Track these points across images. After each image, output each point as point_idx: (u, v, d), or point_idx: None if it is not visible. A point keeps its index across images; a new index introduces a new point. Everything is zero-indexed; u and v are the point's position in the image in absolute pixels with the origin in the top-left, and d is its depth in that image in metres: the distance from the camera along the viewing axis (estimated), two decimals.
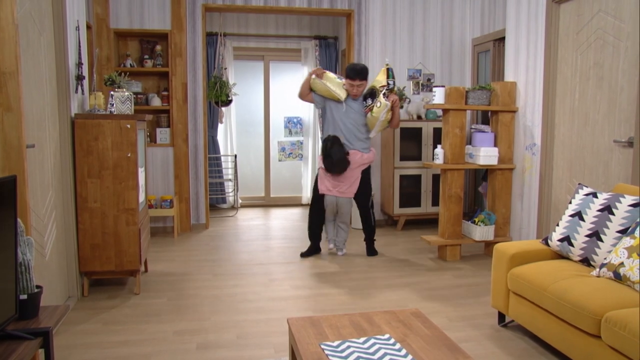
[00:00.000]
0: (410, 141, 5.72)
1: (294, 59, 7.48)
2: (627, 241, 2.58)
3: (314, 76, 4.54)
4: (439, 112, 5.81)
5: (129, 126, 3.65)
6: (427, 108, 4.85)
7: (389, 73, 4.52)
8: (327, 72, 4.60)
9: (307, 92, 4.63)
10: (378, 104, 4.40)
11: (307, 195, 7.56)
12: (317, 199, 4.71)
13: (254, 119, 7.64)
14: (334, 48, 7.29)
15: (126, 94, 3.83)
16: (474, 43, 5.86)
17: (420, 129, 5.74)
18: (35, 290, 2.11)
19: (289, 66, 7.64)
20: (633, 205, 2.72)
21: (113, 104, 3.78)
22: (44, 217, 3.16)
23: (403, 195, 5.77)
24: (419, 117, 5.82)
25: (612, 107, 3.60)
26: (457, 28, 6.00)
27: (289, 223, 6.39)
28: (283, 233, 5.87)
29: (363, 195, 4.68)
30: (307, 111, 7.45)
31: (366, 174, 4.69)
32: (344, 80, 4.54)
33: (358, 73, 4.44)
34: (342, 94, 4.51)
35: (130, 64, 5.58)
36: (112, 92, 3.81)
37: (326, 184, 4.63)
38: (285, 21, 7.28)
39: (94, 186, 3.63)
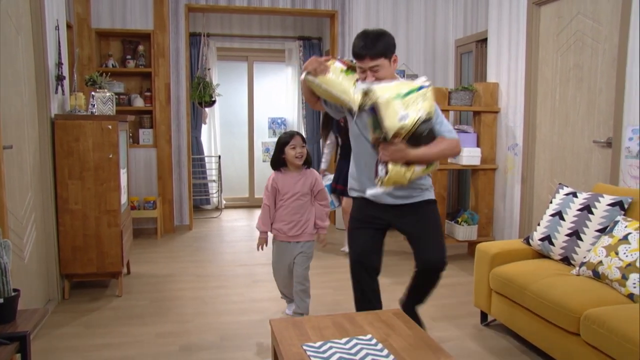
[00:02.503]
0: None
1: (278, 60, 7.46)
2: (606, 240, 2.61)
3: (305, 74, 2.66)
4: None
5: (110, 127, 3.61)
6: None
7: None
8: (334, 61, 2.68)
9: (314, 100, 2.83)
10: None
11: None
12: (355, 256, 2.82)
13: (238, 120, 7.61)
14: (318, 49, 7.29)
15: (108, 94, 3.80)
16: (457, 44, 5.90)
17: None
18: (12, 293, 2.07)
19: (273, 67, 7.63)
20: (611, 205, 2.76)
21: (94, 105, 3.74)
22: (22, 219, 3.11)
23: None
24: None
25: (592, 108, 3.65)
26: (440, 29, 6.04)
27: None
28: None
29: (432, 244, 2.66)
30: (291, 112, 7.45)
31: (434, 209, 2.74)
32: None
33: (367, 46, 2.49)
34: (355, 96, 2.55)
35: (112, 64, 5.52)
36: (93, 93, 3.78)
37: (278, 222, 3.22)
38: (269, 22, 7.27)
39: (74, 187, 3.58)
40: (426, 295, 2.83)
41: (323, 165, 5.06)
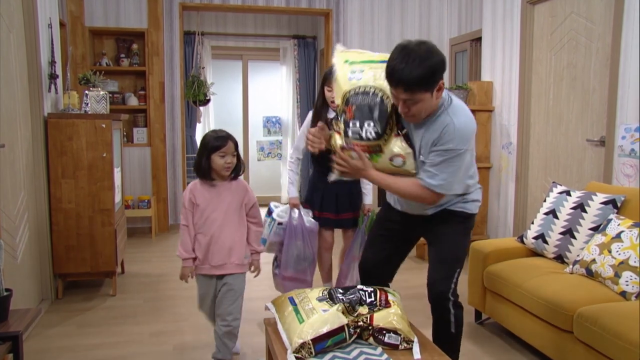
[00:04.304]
0: None
1: (273, 59, 7.45)
2: (599, 238, 2.62)
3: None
4: None
5: (104, 126, 3.59)
6: None
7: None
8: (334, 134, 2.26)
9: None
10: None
11: (286, 194, 7.54)
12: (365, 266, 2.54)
13: (233, 119, 7.60)
14: (312, 47, 7.28)
15: (101, 93, 3.78)
16: (452, 43, 5.91)
17: None
18: (5, 293, 2.06)
19: (268, 65, 7.62)
20: (604, 203, 2.78)
21: (88, 104, 3.73)
22: (15, 219, 3.09)
23: (382, 194, 5.79)
24: None
25: (585, 106, 3.66)
26: (435, 28, 6.04)
27: None
28: None
29: (440, 265, 2.29)
30: (285, 110, 7.43)
31: (465, 228, 2.36)
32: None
33: (404, 73, 1.98)
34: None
35: (106, 63, 5.50)
36: (86, 92, 3.76)
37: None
38: (264, 20, 7.25)
39: (68, 187, 3.57)
40: (448, 341, 2.33)
41: (291, 192, 3.32)
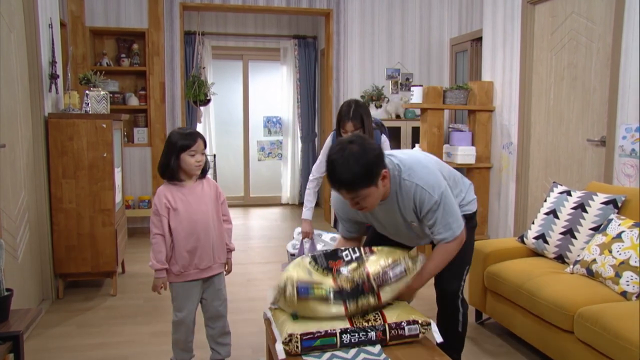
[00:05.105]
0: (389, 140, 5.74)
1: (273, 59, 7.46)
2: (599, 238, 2.62)
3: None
4: (418, 112, 5.85)
5: (104, 126, 3.60)
6: (405, 107, 4.86)
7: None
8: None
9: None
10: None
11: (286, 194, 7.54)
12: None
13: (233, 119, 7.60)
14: (313, 47, 7.29)
15: (102, 93, 3.78)
16: (452, 43, 5.91)
17: (399, 128, 5.77)
18: (6, 293, 2.06)
19: (268, 65, 7.62)
20: (605, 203, 2.78)
21: (88, 104, 3.73)
22: (16, 219, 3.10)
23: None
24: (398, 117, 5.85)
25: (586, 106, 3.66)
26: (435, 28, 6.04)
27: (268, 223, 6.38)
28: (262, 233, 5.84)
29: (449, 265, 2.24)
30: (286, 110, 7.44)
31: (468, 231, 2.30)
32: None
33: (343, 175, 1.94)
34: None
35: (107, 63, 5.50)
36: (87, 92, 3.76)
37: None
38: (264, 20, 7.26)
39: (69, 187, 3.57)
40: (455, 340, 2.48)
41: (305, 215, 3.16)
